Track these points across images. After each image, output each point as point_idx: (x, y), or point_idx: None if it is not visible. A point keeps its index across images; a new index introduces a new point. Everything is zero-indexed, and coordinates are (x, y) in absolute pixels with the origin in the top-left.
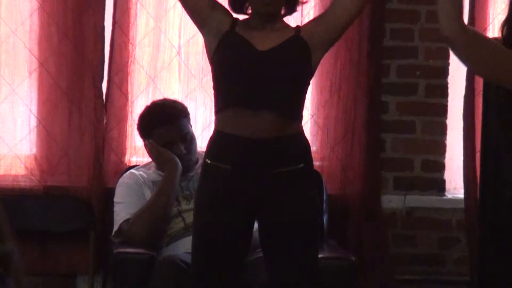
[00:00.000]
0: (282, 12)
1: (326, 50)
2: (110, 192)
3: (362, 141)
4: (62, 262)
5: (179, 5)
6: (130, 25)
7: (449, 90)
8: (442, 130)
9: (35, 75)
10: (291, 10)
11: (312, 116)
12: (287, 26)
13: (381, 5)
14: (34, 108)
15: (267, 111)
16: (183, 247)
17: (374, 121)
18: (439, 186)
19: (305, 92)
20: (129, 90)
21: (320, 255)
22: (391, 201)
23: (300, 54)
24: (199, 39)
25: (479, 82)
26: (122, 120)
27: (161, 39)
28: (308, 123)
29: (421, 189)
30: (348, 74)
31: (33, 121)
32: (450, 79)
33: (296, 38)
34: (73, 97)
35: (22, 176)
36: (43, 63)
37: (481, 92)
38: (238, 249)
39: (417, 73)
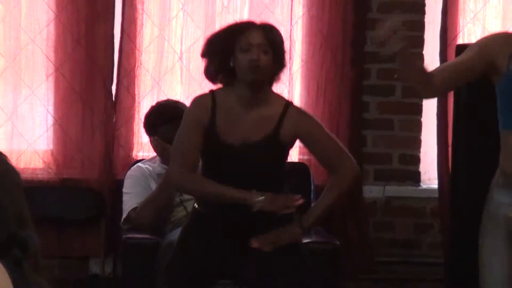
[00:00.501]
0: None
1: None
2: (119, 184)
3: (345, 137)
4: (76, 246)
5: (181, 15)
6: (136, 33)
7: None
8: (417, 127)
9: (51, 78)
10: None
11: None
12: (274, 101)
13: (363, 15)
14: (50, 108)
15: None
16: None
17: (356, 119)
18: (415, 177)
19: (284, 167)
20: (136, 92)
21: (308, 240)
22: (372, 191)
23: (274, 155)
24: (200, 45)
25: None
26: (129, 118)
27: (164, 46)
28: None
29: (399, 180)
30: (333, 77)
31: (50, 120)
32: None
33: (274, 137)
34: (85, 98)
35: (40, 169)
36: (59, 67)
37: (453, 93)
38: None
39: (395, 76)
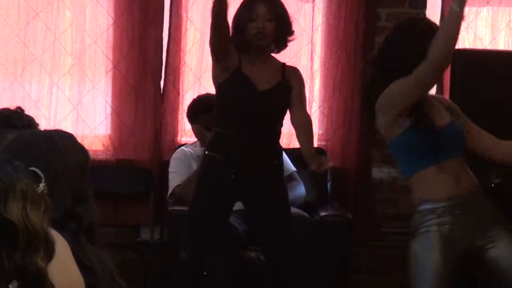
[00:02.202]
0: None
1: None
2: (166, 164)
3: (357, 126)
4: (129, 217)
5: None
6: (181, 37)
7: None
8: None
9: (110, 74)
10: (279, 47)
11: (319, 107)
12: (276, 62)
13: (373, 23)
14: (109, 99)
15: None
16: None
17: (367, 112)
18: None
19: (284, 115)
20: (180, 87)
21: (324, 213)
22: (380, 172)
23: (286, 96)
24: None
25: (447, 83)
26: (175, 109)
27: (205, 48)
28: (316, 113)
29: None
30: (347, 76)
31: (108, 110)
32: None
33: (284, 82)
34: (138, 91)
35: (100, 151)
36: (116, 65)
37: (448, 91)
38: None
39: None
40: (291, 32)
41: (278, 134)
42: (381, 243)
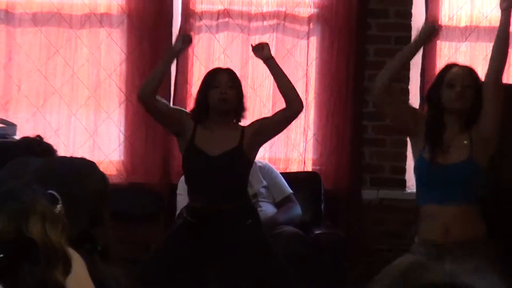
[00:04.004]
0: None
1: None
2: (174, 187)
3: (348, 152)
4: (141, 235)
5: (222, 57)
6: (188, 71)
7: None
8: (404, 145)
9: (123, 105)
10: (239, 115)
11: (314, 135)
12: (237, 127)
13: (362, 58)
14: (122, 128)
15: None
16: None
17: (357, 138)
18: (402, 184)
19: (248, 176)
20: None
21: (319, 231)
22: (369, 194)
23: (240, 161)
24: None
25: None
26: None
27: None
28: (311, 140)
29: (389, 186)
30: (339, 106)
31: (122, 137)
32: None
33: (240, 147)
34: (148, 121)
35: (113, 175)
36: (129, 97)
37: None
38: None
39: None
40: (244, 107)
41: (242, 196)
42: (370, 259)
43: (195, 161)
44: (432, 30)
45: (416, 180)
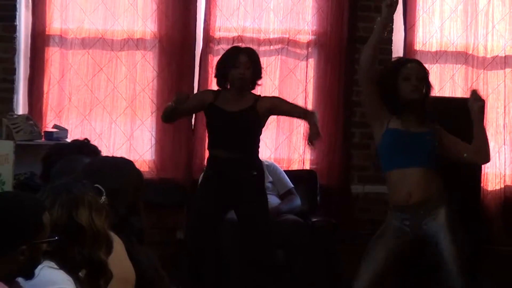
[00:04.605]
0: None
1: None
2: (196, 181)
3: (340, 154)
4: (168, 221)
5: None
6: (208, 85)
7: None
8: None
9: (154, 114)
10: (252, 87)
11: None
12: (251, 96)
13: (351, 76)
14: (154, 133)
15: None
16: None
17: (347, 143)
18: (383, 180)
19: (259, 135)
20: None
21: (315, 219)
22: (356, 188)
23: (253, 117)
24: None
25: None
26: (202, 141)
27: None
28: None
29: (373, 182)
30: (333, 115)
31: (153, 141)
32: None
33: (253, 107)
34: (175, 127)
35: (146, 172)
36: (159, 107)
37: None
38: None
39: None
40: (260, 76)
41: (253, 149)
42: (359, 241)
43: (215, 117)
44: (391, 2)
45: (384, 150)
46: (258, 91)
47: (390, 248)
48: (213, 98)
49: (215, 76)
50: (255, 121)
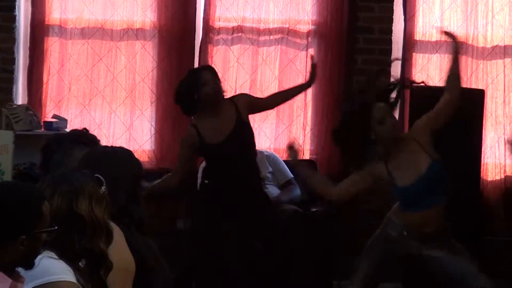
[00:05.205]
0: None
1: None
2: (196, 171)
3: None
4: (168, 211)
5: (235, 65)
6: None
7: None
8: None
9: (154, 104)
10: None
11: (311, 129)
12: (228, 104)
13: (351, 66)
14: (153, 123)
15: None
16: None
17: None
18: None
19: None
20: None
21: (315, 209)
22: None
23: (248, 132)
24: (247, 86)
25: (407, 114)
26: None
27: (225, 85)
28: (308, 134)
29: None
30: (333, 105)
31: (152, 131)
32: None
33: (239, 120)
34: (174, 117)
35: (146, 162)
36: (158, 97)
37: (408, 120)
38: None
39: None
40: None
41: (256, 174)
42: (358, 231)
43: (217, 156)
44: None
45: (400, 200)
46: (257, 81)
47: (388, 249)
48: (197, 135)
49: (183, 107)
50: (249, 130)
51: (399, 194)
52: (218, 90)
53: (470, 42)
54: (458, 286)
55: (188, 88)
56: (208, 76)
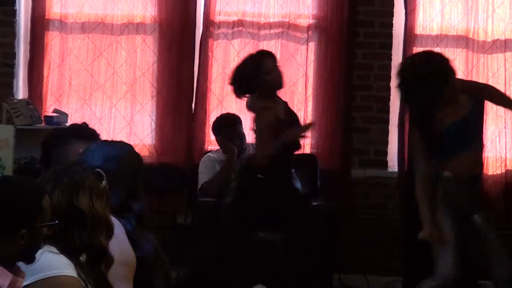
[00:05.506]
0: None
1: None
2: (196, 166)
3: (340, 138)
4: (169, 206)
5: (236, 59)
6: (208, 70)
7: (390, 109)
8: (386, 132)
9: (154, 98)
10: None
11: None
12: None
13: (351, 60)
14: (154, 117)
15: None
16: None
17: (347, 127)
18: (384, 164)
19: None
20: (207, 108)
21: (316, 203)
22: (357, 173)
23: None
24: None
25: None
26: (203, 125)
27: (226, 78)
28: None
29: (373, 166)
30: (333, 100)
31: (153, 125)
32: (391, 103)
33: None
34: (175, 111)
35: (146, 156)
36: (159, 91)
37: (408, 112)
38: None
39: (372, 100)
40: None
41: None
42: (358, 224)
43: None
44: None
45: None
46: None
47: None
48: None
49: (237, 91)
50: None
51: (447, 133)
52: (281, 79)
53: (470, 36)
54: (491, 265)
55: (248, 75)
56: (270, 64)
